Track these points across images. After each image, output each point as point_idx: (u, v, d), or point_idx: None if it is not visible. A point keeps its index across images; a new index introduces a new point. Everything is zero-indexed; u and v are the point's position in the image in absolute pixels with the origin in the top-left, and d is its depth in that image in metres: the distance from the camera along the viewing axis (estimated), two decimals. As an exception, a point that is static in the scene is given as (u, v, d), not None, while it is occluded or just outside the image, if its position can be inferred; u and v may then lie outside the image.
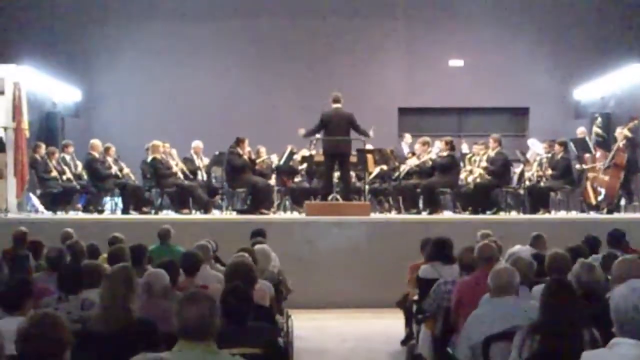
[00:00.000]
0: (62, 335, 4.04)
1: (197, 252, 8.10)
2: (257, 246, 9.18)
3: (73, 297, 6.34)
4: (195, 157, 17.61)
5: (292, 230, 14.04)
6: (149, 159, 16.67)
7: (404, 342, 10.04)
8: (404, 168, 17.27)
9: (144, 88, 21.89)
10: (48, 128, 19.57)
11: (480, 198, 16.14)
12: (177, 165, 16.97)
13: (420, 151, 16.89)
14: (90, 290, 6.36)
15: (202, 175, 17.57)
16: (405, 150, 18.82)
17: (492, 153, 16.41)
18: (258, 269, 7.87)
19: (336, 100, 15.12)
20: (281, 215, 16.87)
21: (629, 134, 16.48)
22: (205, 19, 22.11)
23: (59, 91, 20.62)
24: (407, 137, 19.48)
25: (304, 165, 17.86)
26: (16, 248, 9.85)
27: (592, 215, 16.44)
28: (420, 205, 16.57)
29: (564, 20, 21.97)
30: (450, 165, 16.13)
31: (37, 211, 16.64)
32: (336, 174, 15.89)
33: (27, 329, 4.02)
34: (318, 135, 15.89)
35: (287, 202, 18.14)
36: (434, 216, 15.61)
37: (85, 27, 21.72)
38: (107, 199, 17.55)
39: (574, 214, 16.73)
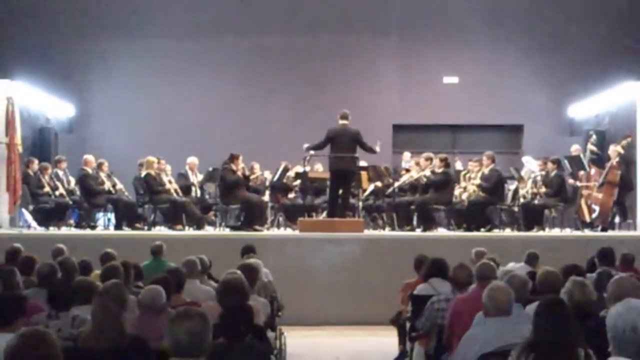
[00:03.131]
0: (52, 353, 3.99)
1: (180, 268, 8.06)
2: (248, 260, 9.13)
3: (63, 314, 6.26)
4: (190, 173, 17.57)
5: (285, 246, 14.01)
6: (143, 174, 16.63)
7: (397, 360, 9.99)
8: (405, 179, 17.25)
9: (137, 104, 21.84)
10: (41, 143, 19.53)
11: (475, 215, 16.09)
12: (170, 183, 16.90)
13: (424, 166, 16.76)
14: (81, 307, 6.29)
15: (195, 192, 17.53)
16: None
17: (485, 170, 16.36)
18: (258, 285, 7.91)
19: (343, 117, 15.13)
20: (275, 232, 16.82)
21: (622, 151, 16.50)
22: (199, 35, 22.10)
23: (53, 106, 20.61)
24: (406, 155, 19.51)
25: (298, 182, 17.84)
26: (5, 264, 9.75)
27: (587, 232, 16.42)
28: (414, 222, 16.55)
29: (558, 38, 22.02)
30: (445, 182, 16.07)
31: (29, 227, 16.55)
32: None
33: (16, 346, 3.96)
34: (312, 152, 15.89)
35: (281, 219, 18.08)
36: (428, 233, 15.57)
37: (79, 43, 21.69)
38: (100, 214, 17.51)
39: (568, 232, 16.71)
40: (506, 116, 22.57)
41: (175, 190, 16.92)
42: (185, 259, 8.74)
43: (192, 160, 17.69)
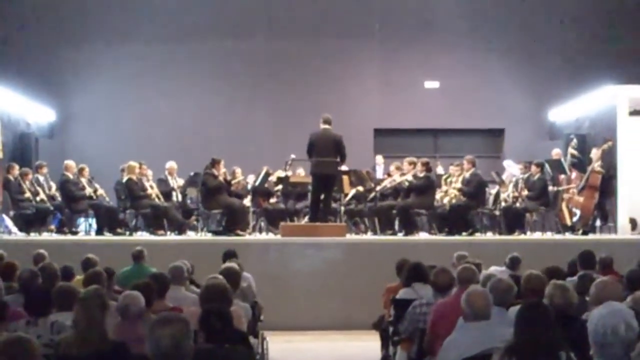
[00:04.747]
0: (34, 359, 3.97)
1: (164, 273, 8.00)
2: (227, 265, 9.04)
3: (42, 321, 6.22)
4: (169, 177, 17.52)
5: (267, 251, 14.01)
6: (124, 179, 16.59)
7: (379, 364, 9.99)
8: (387, 183, 17.23)
9: (118, 109, 21.79)
10: (22, 149, 19.43)
11: (456, 219, 16.12)
12: (151, 188, 16.87)
13: (407, 170, 16.74)
14: (60, 313, 6.26)
15: (176, 197, 17.48)
16: (379, 172, 18.84)
17: (466, 174, 16.40)
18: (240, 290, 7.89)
19: (326, 121, 15.04)
20: (257, 237, 16.78)
21: (604, 156, 16.58)
22: (181, 40, 22.04)
23: (33, 111, 20.51)
24: (379, 159, 19.60)
25: (280, 186, 17.79)
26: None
27: (568, 236, 16.47)
28: (396, 226, 16.55)
29: (539, 42, 22.09)
30: (426, 187, 16.08)
31: (10, 232, 16.45)
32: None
33: (-3, 353, 3.94)
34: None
35: (263, 223, 18.05)
36: (410, 237, 15.58)
37: (60, 48, 21.64)
38: (81, 220, 17.42)
39: (549, 235, 16.75)
40: (487, 120, 22.64)
41: (157, 196, 16.87)
42: (172, 264, 8.65)
43: (171, 164, 17.62)
